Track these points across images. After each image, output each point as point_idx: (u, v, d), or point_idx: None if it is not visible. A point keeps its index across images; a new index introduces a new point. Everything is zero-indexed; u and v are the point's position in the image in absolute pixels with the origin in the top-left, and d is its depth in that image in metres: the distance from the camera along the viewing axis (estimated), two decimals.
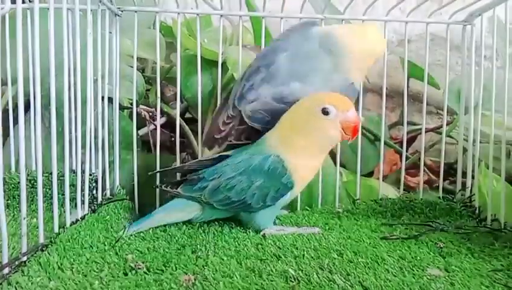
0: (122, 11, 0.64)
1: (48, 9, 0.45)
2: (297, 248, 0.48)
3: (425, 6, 0.67)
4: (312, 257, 0.45)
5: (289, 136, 0.52)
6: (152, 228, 0.54)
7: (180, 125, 0.71)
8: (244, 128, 0.57)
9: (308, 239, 0.52)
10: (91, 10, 0.54)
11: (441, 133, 0.72)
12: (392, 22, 0.69)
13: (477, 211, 0.60)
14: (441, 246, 0.50)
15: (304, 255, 0.46)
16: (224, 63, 0.73)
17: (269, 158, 0.52)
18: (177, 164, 0.66)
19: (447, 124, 0.90)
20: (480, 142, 0.62)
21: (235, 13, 0.67)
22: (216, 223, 0.57)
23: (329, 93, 0.53)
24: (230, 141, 0.57)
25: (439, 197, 0.64)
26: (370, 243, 0.50)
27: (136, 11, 0.64)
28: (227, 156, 0.55)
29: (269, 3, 0.67)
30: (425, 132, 0.76)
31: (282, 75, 0.55)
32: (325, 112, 0.50)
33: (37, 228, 0.44)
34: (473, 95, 0.64)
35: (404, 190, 0.68)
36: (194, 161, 0.59)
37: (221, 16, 0.66)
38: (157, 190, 0.64)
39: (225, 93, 0.68)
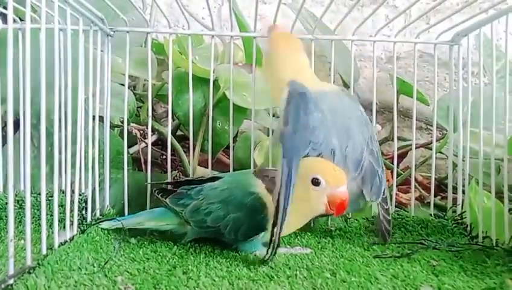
0: (114, 31, 0.64)
1: (40, 29, 0.45)
2: (289, 268, 0.48)
3: (413, 23, 0.69)
4: (305, 277, 0.45)
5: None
6: (142, 248, 0.53)
7: (172, 143, 0.71)
8: None
9: (300, 259, 0.51)
10: (83, 31, 0.54)
11: (431, 149, 0.73)
12: (379, 38, 0.70)
13: (468, 228, 0.60)
14: (434, 264, 0.50)
15: (296, 275, 0.46)
16: (215, 81, 0.74)
17: (251, 195, 0.52)
18: (169, 179, 0.65)
19: (437, 140, 0.91)
20: (470, 158, 0.63)
21: (227, 34, 0.68)
22: (207, 243, 0.56)
23: (326, 164, 0.51)
24: None
25: (430, 215, 0.65)
26: (363, 262, 0.50)
27: (128, 32, 0.64)
28: (220, 178, 0.55)
29: (260, 22, 0.68)
30: (416, 147, 0.77)
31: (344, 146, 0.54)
32: (315, 182, 0.49)
33: (25, 249, 0.42)
34: (462, 112, 0.64)
35: (395, 206, 0.69)
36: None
37: (213, 36, 0.67)
38: (148, 207, 0.64)
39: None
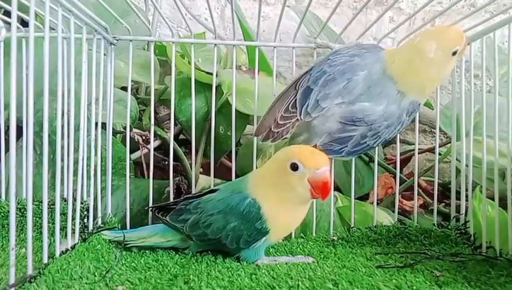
0: (117, 40, 0.64)
1: (43, 37, 0.45)
2: (291, 278, 0.47)
3: (418, 25, 0.68)
4: (307, 287, 0.44)
5: (265, 185, 0.52)
6: (144, 257, 0.53)
7: (174, 148, 0.71)
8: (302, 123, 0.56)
9: (303, 268, 0.51)
10: (86, 39, 0.54)
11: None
12: (384, 40, 0.69)
13: (472, 238, 0.59)
14: (437, 274, 0.49)
15: (298, 285, 0.45)
16: (218, 86, 0.73)
17: (245, 200, 0.51)
18: (171, 188, 0.65)
19: (443, 144, 0.91)
20: (474, 166, 0.62)
21: (229, 42, 0.68)
22: (209, 252, 0.56)
23: (303, 149, 0.51)
24: (286, 138, 0.57)
25: (433, 224, 0.64)
26: (365, 272, 0.50)
27: (131, 40, 0.64)
28: (216, 190, 0.55)
29: (263, 22, 0.67)
30: (419, 153, 0.76)
31: (355, 94, 0.55)
32: (293, 167, 0.49)
33: (26, 258, 0.43)
34: (466, 122, 0.64)
35: (399, 213, 0.68)
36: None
37: (215, 45, 0.67)
38: (149, 215, 0.64)
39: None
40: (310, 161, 0.49)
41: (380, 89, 0.55)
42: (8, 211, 0.55)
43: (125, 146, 0.66)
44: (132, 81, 0.67)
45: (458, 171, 0.66)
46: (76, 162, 0.52)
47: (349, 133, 0.55)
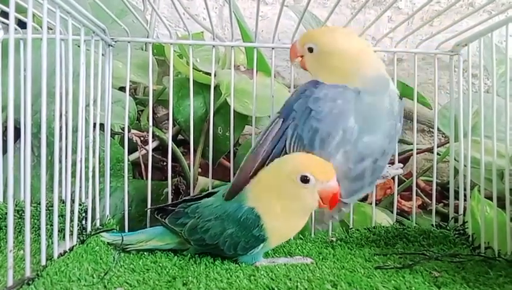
0: (115, 41, 0.63)
1: (41, 39, 0.45)
2: (290, 279, 0.47)
3: (415, 27, 0.68)
4: (306, 288, 0.45)
5: (266, 197, 0.51)
6: (142, 259, 0.53)
7: (173, 149, 0.70)
8: None
9: (301, 270, 0.51)
10: (84, 40, 0.54)
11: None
12: (383, 40, 0.69)
13: (470, 239, 0.60)
14: (436, 275, 0.49)
15: (297, 286, 0.45)
16: (217, 87, 0.73)
17: (243, 208, 0.51)
18: (169, 189, 0.65)
19: (441, 144, 0.91)
20: (472, 167, 0.62)
21: (228, 44, 0.67)
22: (208, 254, 0.56)
23: (313, 160, 0.50)
24: None
25: (432, 225, 0.64)
26: (364, 273, 0.50)
27: (129, 42, 0.64)
28: (215, 193, 0.55)
29: (262, 22, 0.67)
30: (417, 153, 0.77)
31: (354, 136, 0.51)
32: (304, 180, 0.48)
33: (24, 260, 0.42)
34: (464, 123, 0.64)
35: (398, 214, 0.68)
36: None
37: (213, 46, 0.66)
38: (148, 216, 0.63)
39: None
40: (321, 173, 0.48)
41: (375, 121, 0.53)
42: (6, 213, 0.55)
43: (123, 147, 0.66)
44: (130, 81, 0.66)
45: (456, 171, 0.66)
46: (74, 164, 0.52)
47: (362, 167, 0.52)
